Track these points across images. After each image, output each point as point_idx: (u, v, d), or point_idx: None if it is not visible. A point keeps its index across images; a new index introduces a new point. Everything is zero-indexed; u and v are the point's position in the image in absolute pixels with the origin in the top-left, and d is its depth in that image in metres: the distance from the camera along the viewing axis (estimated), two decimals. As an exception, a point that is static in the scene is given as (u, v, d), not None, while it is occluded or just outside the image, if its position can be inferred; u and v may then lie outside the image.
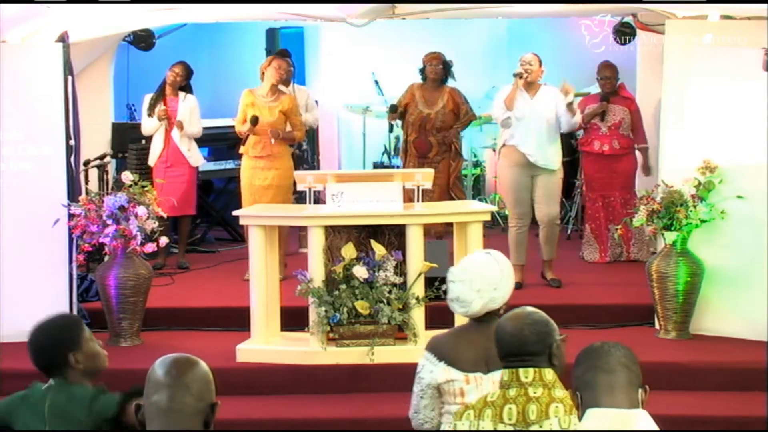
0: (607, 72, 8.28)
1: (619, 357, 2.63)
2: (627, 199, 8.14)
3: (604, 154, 8.23)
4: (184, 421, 2.45)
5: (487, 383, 3.57)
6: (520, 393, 2.98)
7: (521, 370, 2.99)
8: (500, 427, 2.96)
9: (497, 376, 3.56)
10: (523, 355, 3.00)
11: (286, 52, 9.41)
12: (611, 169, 8.26)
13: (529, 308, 3.12)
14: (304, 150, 8.84)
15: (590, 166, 8.39)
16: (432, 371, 3.63)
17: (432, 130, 7.93)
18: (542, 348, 2.98)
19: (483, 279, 3.67)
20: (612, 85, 8.25)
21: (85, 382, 3.37)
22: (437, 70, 7.88)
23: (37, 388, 3.40)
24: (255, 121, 7.49)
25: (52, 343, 3.36)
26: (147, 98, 8.13)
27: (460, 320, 6.01)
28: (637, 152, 8.32)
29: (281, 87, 8.07)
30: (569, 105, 7.22)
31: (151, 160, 8.16)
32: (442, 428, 3.68)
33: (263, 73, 7.68)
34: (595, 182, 8.38)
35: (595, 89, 9.34)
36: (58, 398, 3.33)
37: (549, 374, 2.97)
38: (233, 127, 7.89)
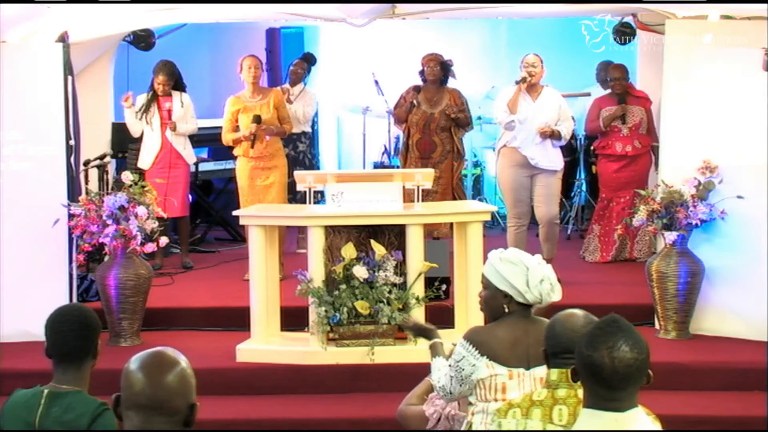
0: (616, 73, 8.21)
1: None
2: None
3: (627, 155, 8.14)
4: None
5: (529, 380, 3.56)
6: (570, 394, 2.93)
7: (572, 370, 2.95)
8: (549, 427, 2.92)
9: (538, 372, 3.52)
10: None
11: (310, 56, 9.25)
12: (631, 169, 8.16)
13: (584, 311, 3.10)
14: (300, 152, 8.75)
15: (610, 167, 8.27)
16: (474, 365, 3.61)
17: (436, 129, 7.94)
18: None
19: None
20: (623, 87, 8.20)
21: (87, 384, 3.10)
22: (435, 72, 7.92)
23: (26, 392, 3.08)
24: (258, 120, 7.48)
25: (86, 324, 3.08)
26: (140, 99, 8.04)
27: (459, 320, 6.04)
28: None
29: (287, 86, 8.11)
30: (554, 134, 7.25)
31: (145, 163, 7.98)
32: (474, 428, 3.65)
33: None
34: (613, 182, 8.25)
35: (596, 90, 9.34)
36: (53, 408, 3.01)
37: None
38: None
